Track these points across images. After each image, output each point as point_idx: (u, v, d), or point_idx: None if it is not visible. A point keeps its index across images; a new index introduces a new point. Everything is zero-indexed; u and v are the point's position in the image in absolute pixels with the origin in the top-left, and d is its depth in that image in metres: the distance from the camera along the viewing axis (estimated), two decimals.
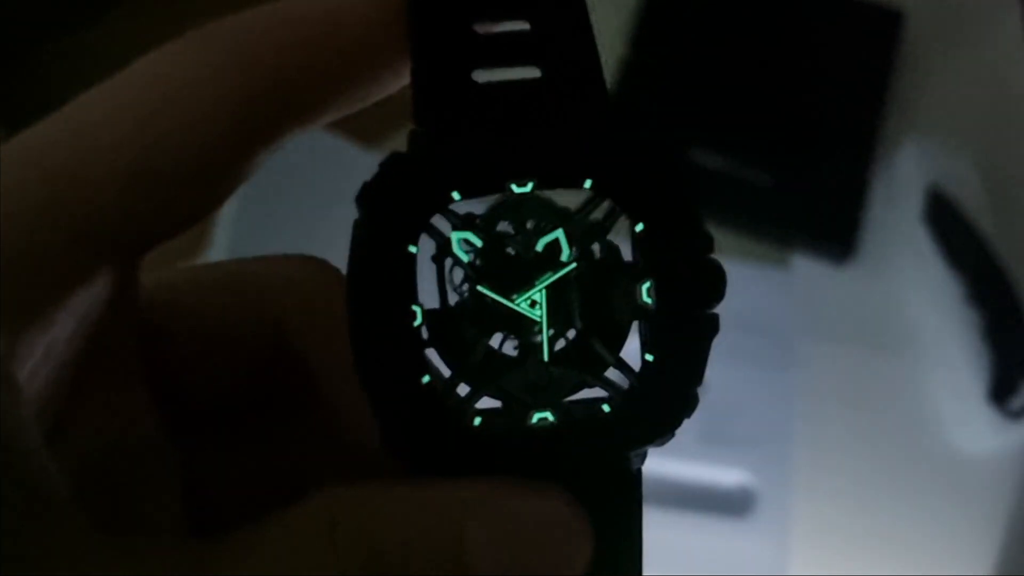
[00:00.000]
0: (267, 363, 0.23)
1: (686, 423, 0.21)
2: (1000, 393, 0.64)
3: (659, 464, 0.62)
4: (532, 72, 0.21)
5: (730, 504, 0.63)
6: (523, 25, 0.21)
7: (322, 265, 0.23)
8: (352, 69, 0.21)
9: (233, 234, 0.60)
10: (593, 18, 0.21)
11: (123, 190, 0.19)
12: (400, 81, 0.21)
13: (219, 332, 0.23)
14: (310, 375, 0.23)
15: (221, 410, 0.23)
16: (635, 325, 0.22)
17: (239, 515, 0.19)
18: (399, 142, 0.21)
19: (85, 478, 0.20)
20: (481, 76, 0.21)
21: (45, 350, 0.19)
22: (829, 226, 0.68)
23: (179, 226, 0.21)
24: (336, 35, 0.20)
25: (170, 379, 0.22)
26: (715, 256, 0.21)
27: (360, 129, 0.63)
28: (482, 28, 0.21)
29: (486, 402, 0.21)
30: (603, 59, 0.21)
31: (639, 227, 0.21)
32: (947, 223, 0.67)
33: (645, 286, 0.21)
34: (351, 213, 0.20)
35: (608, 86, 0.21)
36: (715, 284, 0.21)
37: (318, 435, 0.23)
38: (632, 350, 0.21)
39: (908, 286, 0.67)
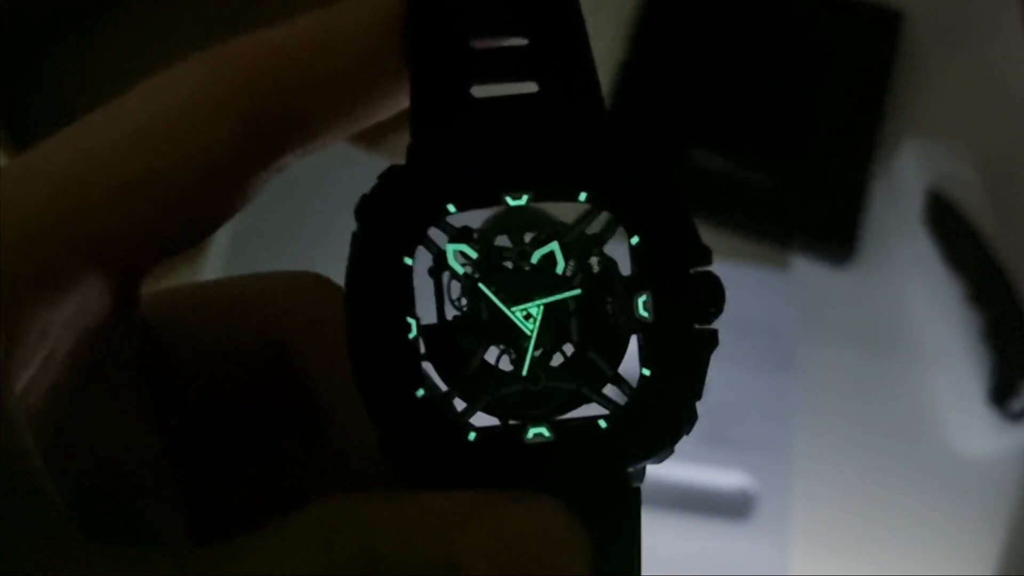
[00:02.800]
0: (268, 376, 0.23)
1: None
2: (1000, 395, 0.64)
3: (659, 466, 0.61)
4: (530, 87, 0.21)
5: (730, 506, 0.63)
6: (521, 41, 0.21)
7: (322, 281, 0.23)
8: (351, 88, 0.21)
9: (232, 235, 0.60)
10: (591, 23, 0.22)
11: (121, 203, 0.20)
12: (400, 102, 0.21)
13: (220, 347, 0.23)
14: (311, 388, 0.23)
15: (223, 422, 0.23)
16: (634, 341, 0.22)
17: (241, 525, 0.19)
18: (402, 145, 0.21)
19: (86, 488, 0.20)
20: (479, 91, 0.21)
21: (43, 360, 0.19)
22: (829, 228, 0.68)
23: (179, 242, 0.21)
24: (334, 56, 0.21)
25: (172, 391, 0.22)
26: (711, 269, 0.21)
27: (363, 132, 0.63)
28: (480, 44, 0.21)
29: (485, 421, 0.21)
30: (601, 68, 0.21)
31: (635, 239, 0.21)
32: (947, 224, 0.66)
33: (641, 299, 0.21)
34: (351, 216, 0.20)
35: (606, 91, 0.22)
36: (713, 298, 0.21)
37: (319, 446, 0.23)
38: (631, 368, 0.21)
39: (908, 288, 0.67)
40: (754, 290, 0.65)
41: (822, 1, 0.74)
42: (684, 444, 0.21)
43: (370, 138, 0.64)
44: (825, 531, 0.63)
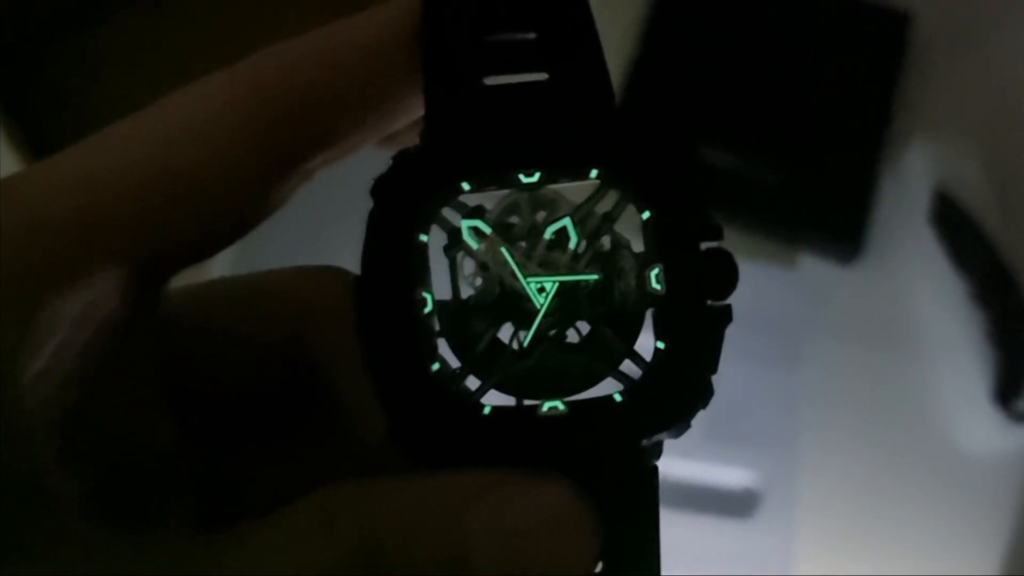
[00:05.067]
0: (284, 370, 0.23)
1: (692, 422, 0.21)
2: (1005, 394, 0.64)
3: (663, 463, 0.61)
4: (540, 77, 0.22)
5: (735, 504, 0.63)
6: (531, 35, 0.22)
7: (340, 275, 0.23)
8: (370, 93, 0.21)
9: None
10: (601, 21, 0.22)
11: (142, 201, 0.20)
12: (417, 107, 0.22)
13: (238, 341, 0.23)
14: (325, 381, 0.23)
15: (239, 415, 0.24)
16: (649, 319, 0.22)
17: (254, 516, 0.19)
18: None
19: (100, 477, 0.20)
20: (492, 81, 0.21)
21: (56, 349, 0.19)
22: (836, 226, 0.68)
23: (203, 245, 0.21)
24: (353, 63, 0.21)
25: (190, 385, 0.23)
26: (723, 246, 0.21)
27: None
28: (491, 39, 0.22)
29: (501, 402, 0.21)
30: (611, 59, 0.22)
31: (646, 214, 0.21)
32: (953, 224, 0.66)
33: (654, 272, 0.21)
34: (360, 209, 0.21)
35: (616, 85, 0.22)
36: (726, 272, 0.21)
37: (333, 439, 0.23)
38: (647, 345, 0.21)
39: (914, 286, 0.67)
40: (761, 287, 0.66)
41: (831, 1, 0.74)
42: (689, 441, 0.21)
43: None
44: (830, 529, 0.63)
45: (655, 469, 0.21)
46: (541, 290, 0.21)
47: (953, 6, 0.74)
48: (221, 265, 0.58)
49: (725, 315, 0.21)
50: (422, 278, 0.21)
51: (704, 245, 0.21)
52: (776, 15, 0.74)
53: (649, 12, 0.73)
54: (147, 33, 0.61)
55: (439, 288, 0.21)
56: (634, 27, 0.72)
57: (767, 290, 0.66)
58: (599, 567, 0.20)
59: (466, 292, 0.22)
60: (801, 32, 0.73)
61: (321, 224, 0.54)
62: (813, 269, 0.68)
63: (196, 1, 0.61)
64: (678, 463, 0.63)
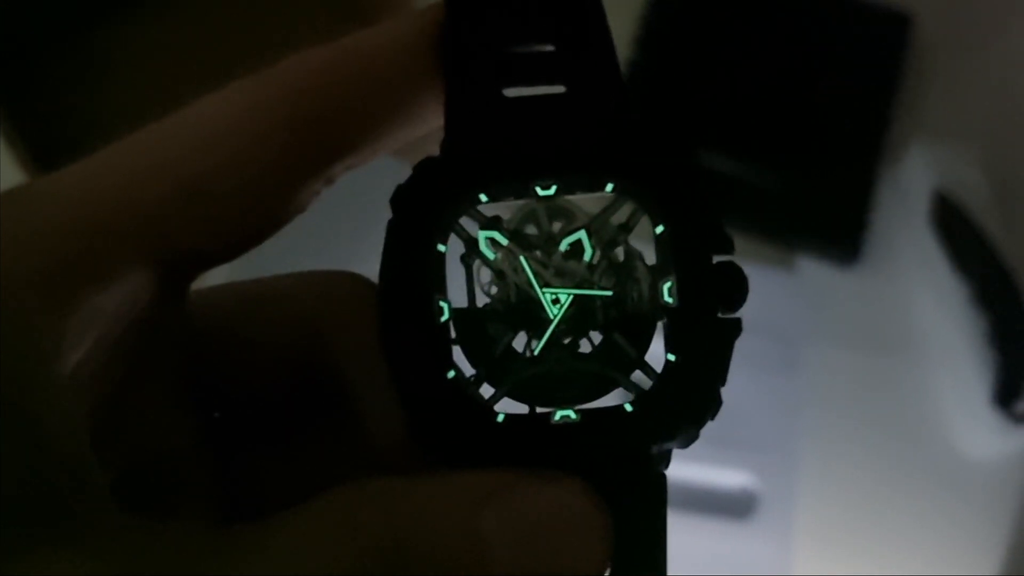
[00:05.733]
0: (302, 370, 0.23)
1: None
2: (1005, 397, 0.64)
3: None
4: (558, 89, 0.22)
5: (733, 506, 0.63)
6: (549, 48, 0.22)
7: (356, 279, 0.24)
8: (392, 101, 0.22)
9: None
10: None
11: (176, 204, 0.20)
12: (437, 115, 0.22)
13: (256, 342, 0.23)
14: (342, 381, 0.23)
15: (257, 414, 0.24)
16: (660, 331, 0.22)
17: (270, 513, 0.19)
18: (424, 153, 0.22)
19: (123, 473, 0.20)
20: (511, 93, 0.22)
21: (91, 344, 0.20)
22: (835, 229, 0.69)
23: (230, 247, 0.22)
24: (376, 71, 0.22)
25: (211, 383, 0.23)
26: (734, 259, 0.21)
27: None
28: (511, 51, 0.22)
29: (514, 409, 0.21)
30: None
31: (659, 228, 0.21)
32: (954, 226, 0.67)
33: (667, 285, 0.22)
34: (373, 219, 0.21)
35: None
36: (736, 286, 0.21)
37: (347, 440, 0.23)
38: (659, 356, 0.22)
39: (914, 289, 0.68)
40: (760, 291, 0.65)
41: (831, 3, 0.74)
42: None
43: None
44: (828, 531, 0.63)
45: (663, 476, 0.21)
46: (556, 301, 0.22)
47: (954, 8, 0.74)
48: (228, 269, 0.58)
49: (735, 328, 0.21)
50: (440, 286, 0.21)
51: (716, 258, 0.21)
52: (775, 16, 0.74)
53: (645, 15, 0.72)
54: (151, 38, 0.61)
55: (454, 296, 0.21)
56: (630, 30, 0.72)
57: (766, 294, 0.66)
58: (607, 571, 0.20)
59: (481, 300, 0.22)
60: (800, 34, 0.73)
61: (322, 230, 0.54)
62: (812, 272, 0.68)
63: (200, 5, 0.61)
64: (677, 465, 0.63)
